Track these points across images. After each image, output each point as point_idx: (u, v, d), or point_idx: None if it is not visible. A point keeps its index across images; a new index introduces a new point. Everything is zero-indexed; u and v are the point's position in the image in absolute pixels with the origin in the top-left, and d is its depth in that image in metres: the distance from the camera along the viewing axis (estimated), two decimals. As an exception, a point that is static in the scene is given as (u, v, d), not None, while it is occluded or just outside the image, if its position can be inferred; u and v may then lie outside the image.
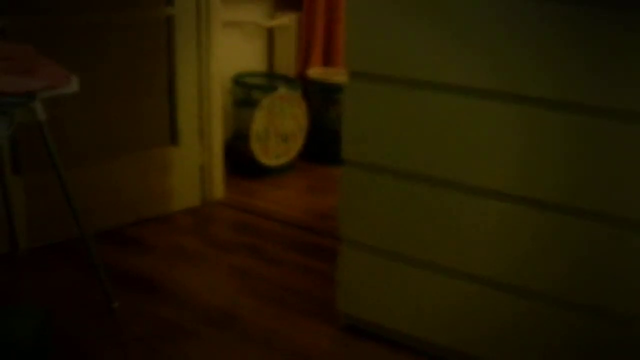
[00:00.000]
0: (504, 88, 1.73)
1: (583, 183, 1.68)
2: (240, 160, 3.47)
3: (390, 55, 1.86)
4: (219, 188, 3.18)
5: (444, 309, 1.97)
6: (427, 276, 1.97)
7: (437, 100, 1.82)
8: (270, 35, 3.86)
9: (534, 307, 1.82)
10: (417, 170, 1.90)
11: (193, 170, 3.07)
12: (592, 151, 1.65)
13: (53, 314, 2.10)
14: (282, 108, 3.42)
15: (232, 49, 3.59)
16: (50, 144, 2.10)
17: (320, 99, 3.63)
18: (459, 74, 1.77)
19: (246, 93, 3.42)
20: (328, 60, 3.87)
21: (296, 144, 3.53)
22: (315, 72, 3.71)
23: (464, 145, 1.81)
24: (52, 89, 2.02)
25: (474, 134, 1.79)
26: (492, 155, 1.78)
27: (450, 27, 1.76)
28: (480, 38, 1.73)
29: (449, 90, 1.80)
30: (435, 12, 1.77)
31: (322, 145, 3.65)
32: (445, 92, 1.81)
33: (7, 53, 2.00)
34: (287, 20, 3.76)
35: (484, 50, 1.73)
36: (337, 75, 3.64)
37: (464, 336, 1.96)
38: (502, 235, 1.82)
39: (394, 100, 1.89)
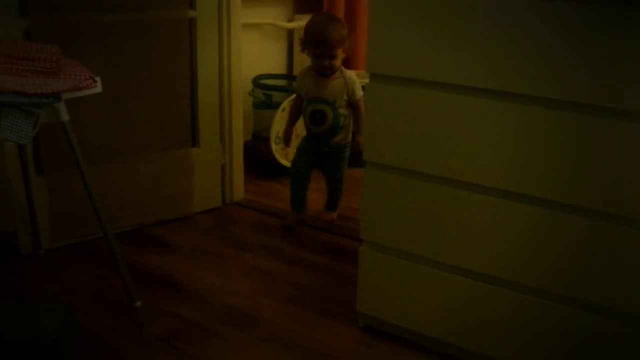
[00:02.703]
0: (517, 89, 1.74)
1: (584, 181, 1.70)
2: (260, 161, 3.48)
3: (410, 58, 1.87)
4: (239, 189, 3.19)
5: (463, 311, 1.97)
6: (447, 278, 1.97)
7: (457, 102, 1.83)
8: (290, 37, 3.88)
9: (557, 309, 1.82)
10: (438, 172, 1.90)
11: (214, 171, 3.08)
12: (590, 149, 1.67)
13: (76, 313, 2.11)
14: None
15: (252, 50, 3.61)
16: (74, 144, 2.12)
17: (340, 101, 3.63)
18: (477, 76, 1.78)
19: (266, 95, 3.43)
20: (348, 61, 3.88)
21: (315, 146, 3.53)
22: (335, 74, 3.71)
23: (485, 146, 1.81)
24: (77, 90, 2.04)
25: (492, 135, 1.80)
26: (514, 157, 1.78)
27: (465, 30, 1.77)
28: (492, 41, 1.74)
29: (468, 92, 1.81)
30: (451, 17, 1.78)
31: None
32: (465, 94, 1.81)
33: (33, 53, 2.02)
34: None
35: (497, 53, 1.74)
36: (357, 76, 3.63)
37: (484, 338, 1.96)
38: (523, 239, 1.82)
39: (414, 102, 1.90)
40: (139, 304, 2.30)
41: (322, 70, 2.82)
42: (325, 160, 2.95)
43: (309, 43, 2.83)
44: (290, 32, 3.86)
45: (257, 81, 3.53)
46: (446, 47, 1.81)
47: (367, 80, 1.98)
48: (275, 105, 3.36)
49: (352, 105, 2.86)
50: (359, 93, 2.84)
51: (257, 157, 3.48)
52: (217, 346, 2.13)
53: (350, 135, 2.92)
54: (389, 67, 1.92)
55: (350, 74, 2.88)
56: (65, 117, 2.07)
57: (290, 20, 3.83)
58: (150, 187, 2.87)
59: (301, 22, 3.75)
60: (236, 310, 2.31)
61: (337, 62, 2.82)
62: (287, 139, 3.06)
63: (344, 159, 2.96)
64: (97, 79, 2.12)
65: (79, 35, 2.56)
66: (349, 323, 2.24)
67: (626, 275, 1.70)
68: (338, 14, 3.73)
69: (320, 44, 2.77)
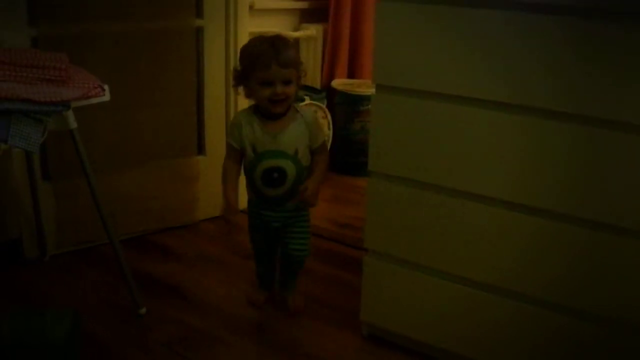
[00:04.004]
0: (522, 101, 1.75)
1: (587, 192, 1.71)
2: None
3: (416, 69, 1.88)
4: (244, 197, 3.19)
5: (466, 320, 1.98)
6: (451, 287, 1.98)
7: (463, 114, 1.84)
8: (297, 46, 3.89)
9: (561, 321, 1.83)
10: (442, 183, 1.91)
11: (219, 179, 3.08)
12: (596, 161, 1.69)
13: (81, 318, 2.13)
14: (307, 118, 3.43)
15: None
16: (82, 151, 2.13)
17: (345, 110, 3.65)
18: (482, 87, 1.79)
19: (272, 103, 3.43)
20: (353, 71, 3.89)
21: (320, 155, 3.54)
22: (341, 83, 3.73)
23: (489, 158, 1.82)
24: (86, 98, 2.06)
25: (497, 147, 1.81)
26: (517, 168, 1.79)
27: (471, 42, 1.78)
28: (498, 53, 1.75)
29: (473, 103, 1.82)
30: (457, 28, 1.79)
31: (346, 156, 3.66)
32: (470, 106, 1.82)
33: (42, 61, 2.03)
34: (313, 31, 3.78)
35: (503, 65, 1.75)
36: (362, 86, 3.66)
37: (486, 347, 1.96)
38: (527, 249, 1.83)
39: (419, 113, 1.91)
40: (143, 310, 2.31)
41: (275, 102, 2.10)
42: (283, 226, 2.30)
43: (251, 69, 2.10)
44: (296, 42, 3.87)
45: (263, 90, 3.54)
46: (452, 58, 1.82)
47: (372, 91, 2.00)
48: (281, 114, 3.37)
49: (315, 151, 2.21)
50: (322, 136, 2.24)
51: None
52: (221, 353, 2.13)
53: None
54: (395, 78, 1.93)
55: (310, 111, 2.29)
56: (74, 124, 2.08)
57: (296, 29, 3.84)
58: (156, 195, 2.88)
59: (307, 31, 3.77)
60: (241, 318, 2.32)
61: (292, 90, 2.11)
62: (233, 210, 2.33)
63: (308, 217, 2.31)
64: (106, 87, 2.14)
65: (86, 43, 2.57)
66: (353, 332, 2.24)
67: (625, 285, 1.71)
68: (344, 23, 3.74)
69: (272, 65, 2.06)
